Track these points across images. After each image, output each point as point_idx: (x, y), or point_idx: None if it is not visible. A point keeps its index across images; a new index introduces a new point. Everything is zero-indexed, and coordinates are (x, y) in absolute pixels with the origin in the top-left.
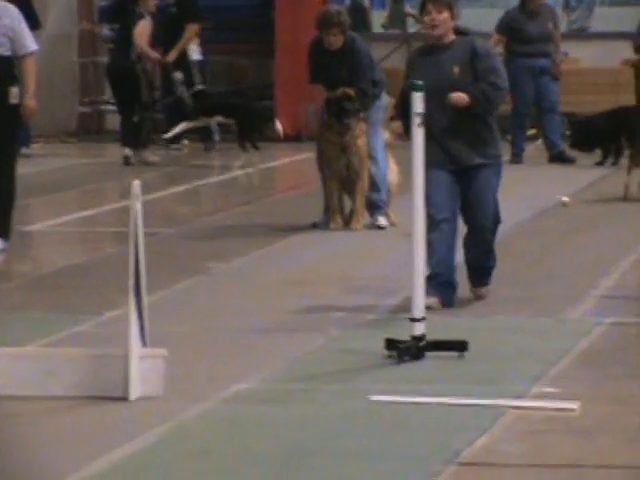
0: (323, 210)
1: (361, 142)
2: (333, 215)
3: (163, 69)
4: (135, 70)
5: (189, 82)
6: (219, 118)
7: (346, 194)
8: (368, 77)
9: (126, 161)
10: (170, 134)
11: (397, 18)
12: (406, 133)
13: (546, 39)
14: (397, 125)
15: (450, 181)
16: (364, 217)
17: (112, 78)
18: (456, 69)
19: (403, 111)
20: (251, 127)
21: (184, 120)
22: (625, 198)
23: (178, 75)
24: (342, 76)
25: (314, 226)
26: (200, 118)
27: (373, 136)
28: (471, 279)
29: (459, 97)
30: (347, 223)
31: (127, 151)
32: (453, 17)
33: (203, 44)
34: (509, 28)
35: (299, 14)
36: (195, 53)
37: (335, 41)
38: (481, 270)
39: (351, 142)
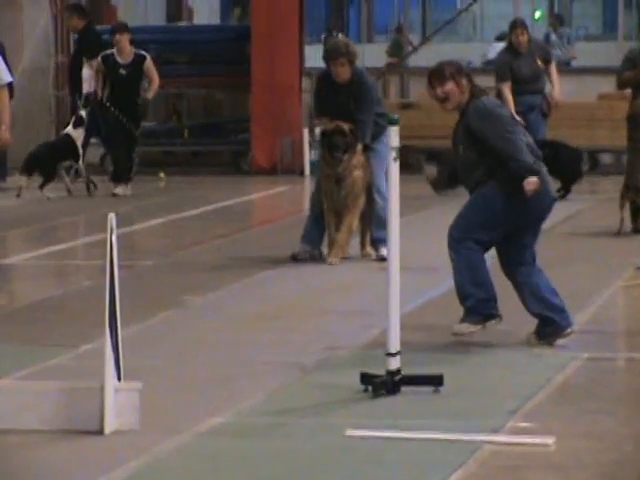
0: (300, 240)
1: (357, 174)
2: (334, 250)
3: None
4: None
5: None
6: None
7: (334, 226)
8: (372, 110)
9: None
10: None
11: (397, 47)
12: (438, 186)
13: (536, 77)
14: (430, 171)
15: None
16: (344, 252)
17: None
18: (462, 147)
19: (447, 167)
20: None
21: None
22: (619, 233)
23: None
24: (349, 108)
25: (293, 258)
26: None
27: (379, 170)
28: None
29: (533, 185)
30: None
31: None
32: (459, 84)
33: (179, 77)
34: (503, 71)
35: (275, 48)
36: (90, 88)
37: (343, 72)
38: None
39: (346, 174)
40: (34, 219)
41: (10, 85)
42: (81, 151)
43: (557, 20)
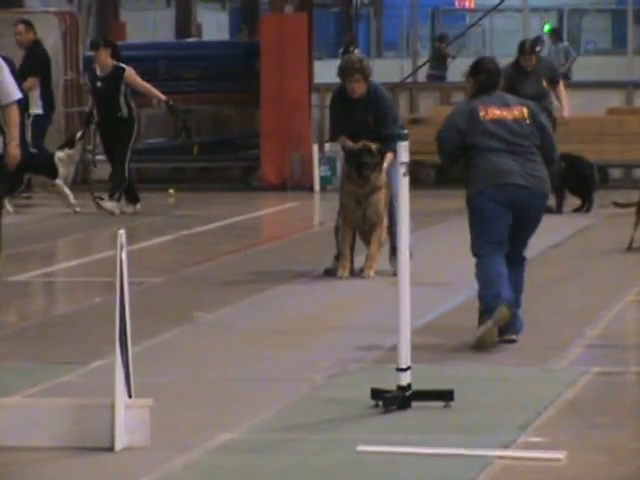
0: (334, 256)
1: (381, 193)
2: (342, 262)
3: None
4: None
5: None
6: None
7: (364, 243)
8: (397, 122)
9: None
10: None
11: (440, 58)
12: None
13: (539, 96)
14: None
15: None
16: (377, 265)
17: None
18: None
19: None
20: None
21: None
22: (629, 247)
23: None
24: (367, 123)
25: (326, 273)
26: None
27: (396, 182)
28: None
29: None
30: (361, 270)
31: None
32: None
33: (188, 93)
34: (507, 87)
35: (284, 64)
36: (36, 107)
37: (358, 88)
38: None
39: (370, 194)
40: (43, 236)
41: (20, 102)
42: (62, 171)
43: (555, 34)
